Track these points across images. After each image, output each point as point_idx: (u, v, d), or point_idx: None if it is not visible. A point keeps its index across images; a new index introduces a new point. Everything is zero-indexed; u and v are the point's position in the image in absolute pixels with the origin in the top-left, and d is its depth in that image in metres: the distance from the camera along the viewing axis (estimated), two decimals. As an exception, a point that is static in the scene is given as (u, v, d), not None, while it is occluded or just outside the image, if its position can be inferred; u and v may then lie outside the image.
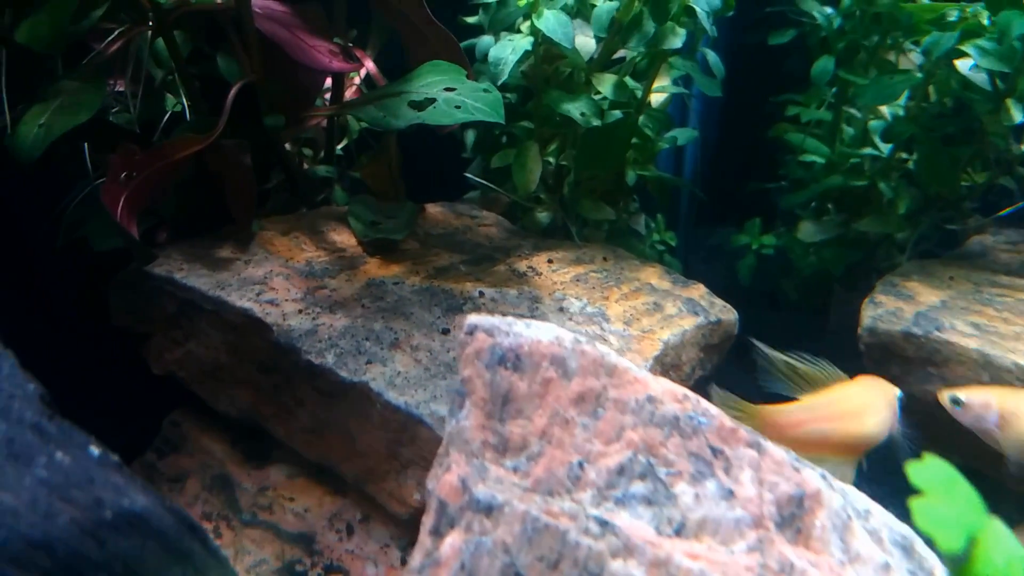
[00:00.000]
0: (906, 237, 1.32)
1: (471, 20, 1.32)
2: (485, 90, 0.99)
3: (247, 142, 1.08)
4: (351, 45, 1.24)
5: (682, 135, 1.31)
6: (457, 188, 1.51)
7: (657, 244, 1.44)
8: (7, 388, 0.56)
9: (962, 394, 0.91)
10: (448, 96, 0.99)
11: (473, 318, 0.66)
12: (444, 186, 1.50)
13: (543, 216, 1.35)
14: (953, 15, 1.08)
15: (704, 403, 0.60)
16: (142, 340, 1.04)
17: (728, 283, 1.49)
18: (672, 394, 0.59)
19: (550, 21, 1.02)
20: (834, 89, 1.32)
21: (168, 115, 1.23)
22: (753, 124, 1.53)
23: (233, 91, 1.05)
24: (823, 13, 1.36)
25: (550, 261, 1.13)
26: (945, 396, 0.93)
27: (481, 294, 1.03)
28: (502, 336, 0.65)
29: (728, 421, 0.59)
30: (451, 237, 1.24)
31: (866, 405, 0.90)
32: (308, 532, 0.90)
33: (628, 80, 1.16)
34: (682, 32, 1.06)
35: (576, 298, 1.03)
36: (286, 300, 0.98)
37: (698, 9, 1.00)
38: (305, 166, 1.35)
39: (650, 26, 1.03)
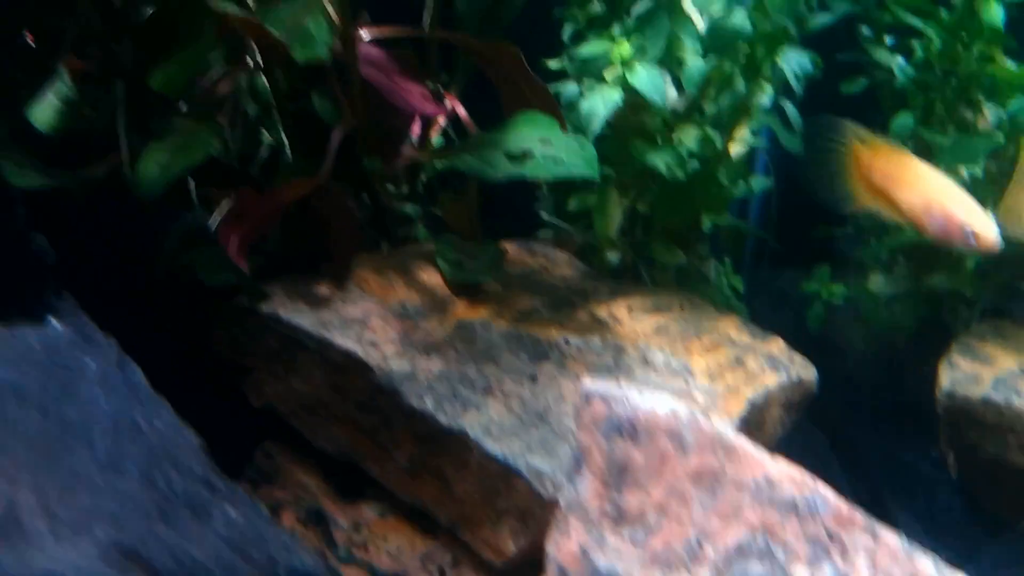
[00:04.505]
0: (976, 294, 1.33)
1: (554, 64, 1.35)
2: (580, 145, 1.03)
3: (349, 187, 1.13)
4: (440, 88, 1.28)
5: (756, 183, 1.34)
6: (527, 222, 1.55)
7: (725, 288, 1.46)
8: (171, 437, 0.60)
9: None
10: (544, 150, 1.02)
11: (588, 384, 0.69)
12: (515, 219, 1.54)
13: (614, 257, 1.38)
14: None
15: (820, 486, 0.62)
16: (241, 372, 1.09)
17: (795, 328, 1.50)
18: (789, 476, 0.62)
19: (644, 79, 1.05)
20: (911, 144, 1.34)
21: (260, 147, 1.28)
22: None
23: (338, 137, 1.10)
24: (899, 65, 1.38)
25: (629, 308, 1.16)
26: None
27: (567, 342, 1.07)
28: (618, 405, 0.68)
29: (844, 506, 0.61)
30: (529, 278, 1.28)
31: None
32: (401, 572, 0.94)
33: (710, 132, 1.19)
34: (769, 89, 1.09)
35: (659, 350, 1.06)
36: (385, 341, 1.02)
37: (788, 72, 1.03)
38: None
39: (740, 85, 1.06)
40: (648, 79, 1.05)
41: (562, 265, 1.37)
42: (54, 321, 0.80)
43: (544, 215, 1.43)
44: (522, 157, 1.02)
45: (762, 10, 0.98)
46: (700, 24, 1.15)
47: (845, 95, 1.46)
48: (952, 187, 1.03)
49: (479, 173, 1.05)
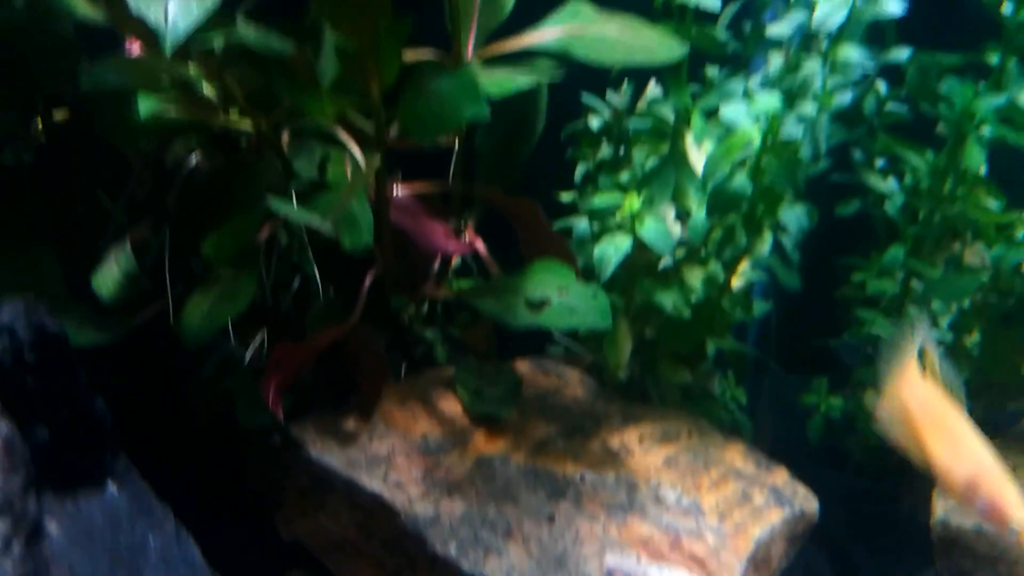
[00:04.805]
0: (968, 413, 1.39)
1: (566, 198, 1.44)
2: (594, 295, 1.11)
3: (376, 323, 1.20)
4: (462, 225, 1.37)
5: (757, 308, 1.41)
6: (539, 337, 1.62)
7: (729, 402, 1.53)
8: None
9: None
10: (561, 299, 1.10)
11: (611, 561, 0.76)
12: (528, 336, 1.61)
13: (624, 374, 1.46)
14: (1021, 231, 1.19)
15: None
16: (273, 505, 1.15)
17: (798, 435, 1.57)
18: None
19: (652, 231, 1.14)
20: (901, 273, 1.42)
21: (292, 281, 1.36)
22: (821, 279, 1.62)
23: (369, 280, 1.18)
24: (890, 189, 1.47)
25: (640, 438, 1.23)
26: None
27: (582, 479, 1.13)
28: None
29: None
30: (543, 400, 1.34)
31: None
32: None
33: (715, 268, 1.27)
34: (770, 238, 1.17)
35: (671, 486, 1.12)
36: (409, 481, 1.08)
37: (788, 229, 1.11)
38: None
39: (743, 238, 1.15)
40: (656, 232, 1.13)
41: (574, 384, 1.44)
42: (112, 486, 0.87)
43: (556, 334, 1.51)
44: (540, 306, 1.09)
45: (761, 173, 1.07)
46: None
47: (840, 217, 1.56)
48: (997, 466, 0.91)
49: (499, 318, 1.12)
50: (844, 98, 1.08)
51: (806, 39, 1.19)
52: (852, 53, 1.04)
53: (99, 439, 0.90)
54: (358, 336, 1.18)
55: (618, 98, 1.34)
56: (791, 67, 1.07)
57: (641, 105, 1.39)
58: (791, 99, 1.04)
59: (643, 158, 1.28)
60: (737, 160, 1.08)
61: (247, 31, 0.90)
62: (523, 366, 1.50)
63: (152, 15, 0.85)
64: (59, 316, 0.93)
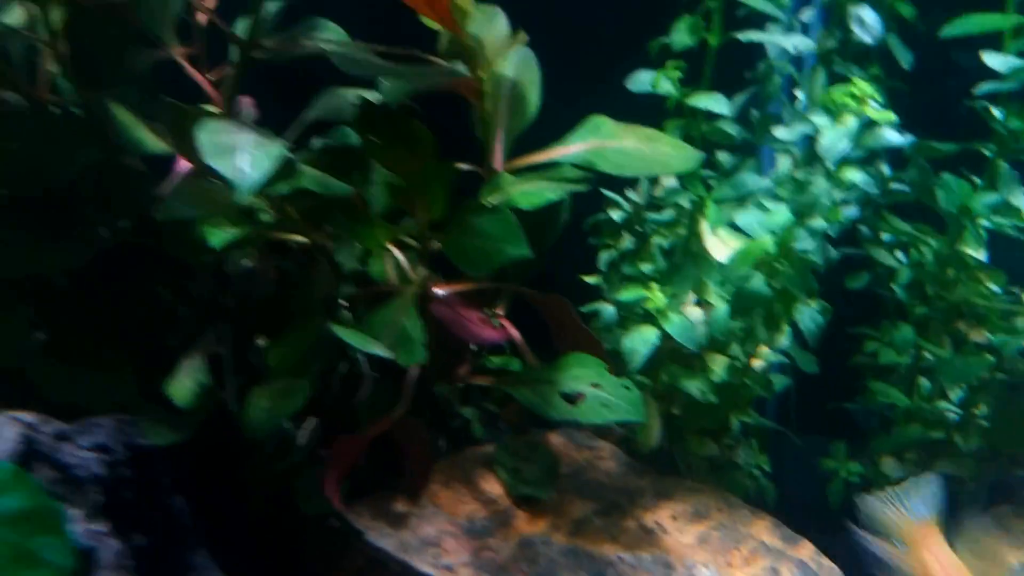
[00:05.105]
0: (978, 480, 1.47)
1: (592, 280, 1.54)
2: (626, 387, 1.20)
3: (419, 411, 1.30)
4: (497, 313, 1.47)
5: (778, 383, 1.50)
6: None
7: (753, 470, 1.61)
8: None
9: None
10: (595, 392, 1.19)
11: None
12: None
13: (654, 447, 1.54)
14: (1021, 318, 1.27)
15: None
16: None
17: (820, 494, 1.64)
18: None
19: (677, 326, 1.23)
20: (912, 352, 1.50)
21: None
22: (837, 348, 1.71)
23: (414, 376, 1.28)
24: (896, 264, 1.55)
25: (673, 516, 1.31)
26: None
27: (621, 559, 1.21)
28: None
29: None
30: (578, 477, 1.43)
31: None
32: None
33: (737, 352, 1.36)
34: (787, 331, 1.26)
35: (704, 566, 1.20)
36: (458, 565, 1.17)
37: (803, 326, 1.20)
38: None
39: (762, 333, 1.24)
40: (682, 328, 1.22)
41: (606, 457, 1.53)
42: (196, 581, 0.96)
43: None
44: (576, 400, 1.19)
45: (777, 275, 1.17)
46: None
47: (850, 290, 1.65)
48: None
49: (537, 410, 1.22)
50: (850, 212, 1.18)
51: (811, 145, 1.30)
52: (856, 176, 1.14)
53: (182, 536, 1.00)
54: (405, 425, 1.27)
55: (638, 196, 1.45)
56: (800, 186, 1.17)
57: (659, 191, 1.50)
58: (802, 214, 1.14)
59: (662, 244, 1.38)
60: (754, 262, 1.17)
61: (310, 177, 1.01)
62: (556, 440, 1.58)
63: (226, 169, 0.95)
64: (134, 418, 1.04)
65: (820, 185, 1.14)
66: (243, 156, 0.95)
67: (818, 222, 1.13)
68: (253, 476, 1.34)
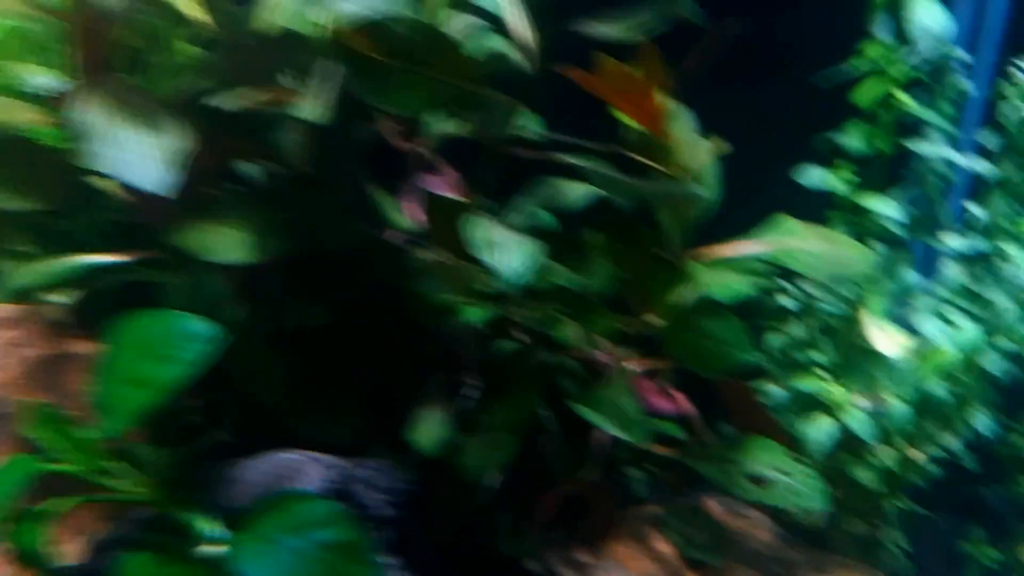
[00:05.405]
0: None
1: (752, 358, 1.65)
2: (815, 480, 1.30)
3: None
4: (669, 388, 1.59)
5: (934, 471, 1.59)
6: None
7: (895, 551, 1.69)
8: None
9: None
10: (784, 480, 1.30)
11: None
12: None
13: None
14: None
15: None
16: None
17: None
18: None
19: (858, 421, 1.33)
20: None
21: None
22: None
23: (603, 440, 1.41)
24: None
25: (834, 596, 1.42)
26: None
27: (790, 633, 1.32)
28: None
29: None
30: (738, 544, 1.54)
31: None
32: None
33: (901, 444, 1.46)
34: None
35: (869, 650, 1.30)
36: (643, 621, 1.30)
37: (980, 430, 1.29)
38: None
39: (934, 431, 1.33)
40: (862, 423, 1.33)
41: (761, 528, 1.63)
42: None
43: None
44: (762, 483, 1.30)
45: (958, 383, 1.25)
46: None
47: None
48: None
49: (723, 487, 1.34)
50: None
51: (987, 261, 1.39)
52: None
53: (432, 568, 1.16)
54: (594, 484, 1.41)
55: (809, 285, 1.56)
56: (983, 303, 1.26)
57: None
58: (990, 332, 1.23)
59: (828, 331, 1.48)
60: (937, 371, 1.27)
61: (559, 273, 1.16)
62: (714, 506, 1.70)
63: (495, 262, 1.10)
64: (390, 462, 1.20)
65: (1007, 307, 1.23)
66: (509, 251, 1.11)
67: (1005, 343, 1.22)
68: (443, 513, 1.49)
